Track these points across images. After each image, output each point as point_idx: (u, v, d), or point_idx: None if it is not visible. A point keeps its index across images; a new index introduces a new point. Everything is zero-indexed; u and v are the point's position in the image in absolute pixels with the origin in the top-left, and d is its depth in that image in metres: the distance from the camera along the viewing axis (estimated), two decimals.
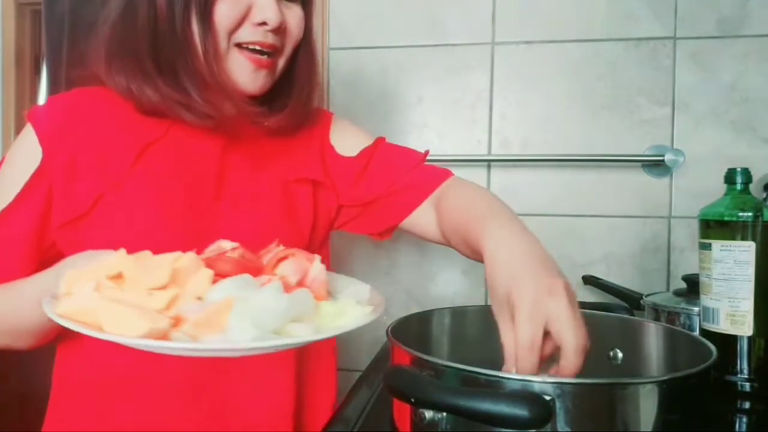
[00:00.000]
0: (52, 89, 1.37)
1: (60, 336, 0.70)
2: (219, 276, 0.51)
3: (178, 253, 0.53)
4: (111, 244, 0.60)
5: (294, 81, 0.74)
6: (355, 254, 1.24)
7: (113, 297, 0.49)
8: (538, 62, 1.17)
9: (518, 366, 0.48)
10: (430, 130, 1.21)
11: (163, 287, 0.50)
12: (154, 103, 0.67)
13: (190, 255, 0.53)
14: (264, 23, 0.66)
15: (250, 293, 0.49)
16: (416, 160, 0.79)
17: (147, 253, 0.53)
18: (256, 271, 0.54)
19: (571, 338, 0.47)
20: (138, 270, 0.51)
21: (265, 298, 0.48)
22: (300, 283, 0.54)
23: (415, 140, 1.21)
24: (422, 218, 0.76)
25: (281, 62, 0.71)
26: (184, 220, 0.67)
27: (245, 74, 0.68)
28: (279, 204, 0.74)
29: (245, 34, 0.66)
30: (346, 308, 0.53)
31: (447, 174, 0.77)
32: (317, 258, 0.56)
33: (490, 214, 0.61)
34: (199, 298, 0.50)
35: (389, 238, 0.83)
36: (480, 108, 1.19)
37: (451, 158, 1.19)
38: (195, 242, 0.62)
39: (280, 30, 0.67)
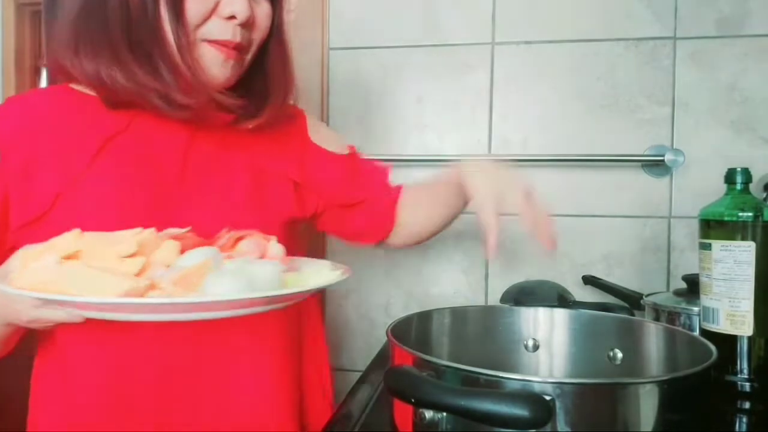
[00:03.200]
0: None
1: (23, 348, 0.69)
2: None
3: (138, 229, 0.53)
4: None
5: (269, 79, 0.74)
6: (355, 254, 1.24)
7: (83, 265, 0.48)
8: (538, 62, 1.17)
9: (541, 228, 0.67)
10: (430, 130, 1.21)
11: (132, 256, 0.50)
12: (125, 90, 0.64)
13: (150, 230, 0.53)
14: (233, 17, 0.65)
15: (243, 264, 0.51)
16: (386, 168, 0.88)
17: (103, 233, 0.53)
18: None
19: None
20: (98, 244, 0.51)
21: (259, 268, 0.51)
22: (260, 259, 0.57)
23: (415, 140, 1.21)
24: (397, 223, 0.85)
25: (248, 57, 0.70)
26: (149, 213, 0.65)
27: (214, 65, 0.66)
28: (247, 194, 0.73)
29: (212, 29, 0.65)
30: (312, 275, 0.57)
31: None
32: (274, 238, 0.58)
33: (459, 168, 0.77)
34: (168, 266, 0.50)
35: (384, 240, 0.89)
36: (480, 108, 1.19)
37: (451, 158, 1.19)
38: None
39: (248, 24, 0.67)
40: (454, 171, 0.77)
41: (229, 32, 0.65)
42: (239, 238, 0.57)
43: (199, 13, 0.64)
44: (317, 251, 1.23)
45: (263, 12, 0.70)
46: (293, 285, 0.54)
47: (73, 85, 0.70)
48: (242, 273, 0.49)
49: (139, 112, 0.68)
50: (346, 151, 0.85)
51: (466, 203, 0.79)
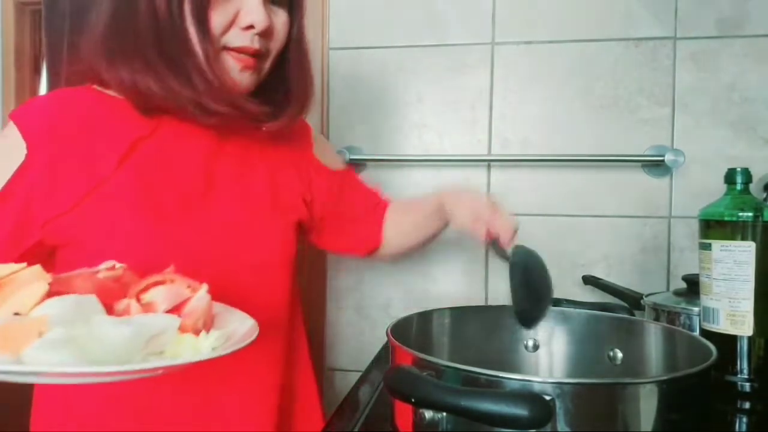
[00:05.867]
0: (52, 89, 1.37)
1: None
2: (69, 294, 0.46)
3: (20, 265, 0.48)
4: (100, 239, 0.64)
5: (288, 86, 0.76)
6: None
7: None
8: (538, 62, 1.17)
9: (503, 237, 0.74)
10: (430, 130, 1.21)
11: None
12: (159, 97, 0.67)
13: (35, 268, 0.47)
14: (251, 26, 0.67)
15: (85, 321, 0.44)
16: (378, 192, 0.93)
17: None
18: (121, 295, 0.50)
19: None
20: None
21: (97, 326, 0.43)
22: (173, 311, 0.50)
23: (415, 140, 1.21)
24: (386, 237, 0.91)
25: (266, 65, 0.73)
26: (173, 216, 0.67)
27: (233, 74, 0.69)
28: (267, 199, 0.76)
29: (232, 38, 0.68)
30: (203, 342, 0.47)
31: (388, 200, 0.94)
32: (203, 287, 0.52)
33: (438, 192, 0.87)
34: (17, 314, 0.44)
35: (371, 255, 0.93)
36: (480, 108, 1.19)
37: (451, 158, 1.19)
38: (185, 237, 0.66)
39: (267, 33, 0.69)
40: (435, 195, 0.86)
41: (248, 40, 0.68)
42: (158, 283, 0.51)
43: (220, 24, 0.67)
44: (320, 254, 1.23)
45: (280, 21, 0.72)
46: (186, 347, 0.46)
47: (97, 87, 0.71)
48: (81, 340, 0.42)
49: (166, 118, 0.70)
50: (340, 167, 0.90)
51: (446, 224, 0.87)
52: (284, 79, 0.76)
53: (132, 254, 0.59)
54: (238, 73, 0.69)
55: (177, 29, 0.65)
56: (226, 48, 0.68)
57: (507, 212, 0.77)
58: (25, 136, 0.65)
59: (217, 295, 0.54)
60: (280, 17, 0.72)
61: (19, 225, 0.65)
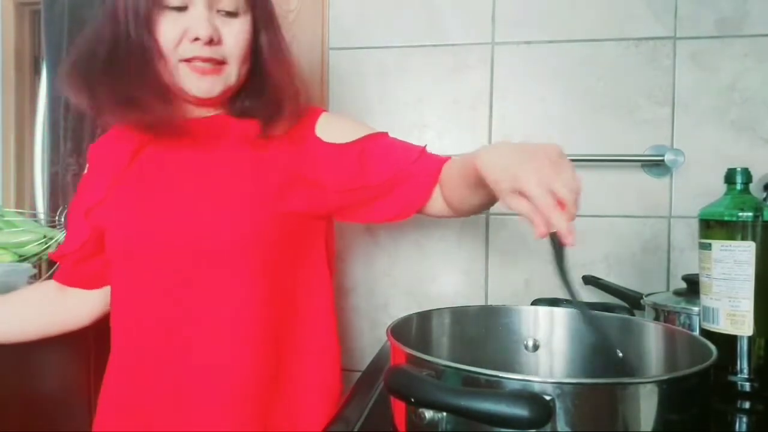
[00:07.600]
0: (52, 90, 1.37)
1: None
2: None
3: None
4: (120, 221, 0.81)
5: (275, 92, 0.82)
6: (355, 254, 1.24)
7: None
8: (538, 62, 1.17)
9: (553, 221, 0.55)
10: (430, 130, 1.21)
11: None
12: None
13: None
14: (197, 39, 0.76)
15: None
16: (419, 148, 0.86)
17: None
18: None
19: (569, 196, 0.55)
20: None
21: None
22: None
23: (415, 140, 1.19)
24: (433, 198, 0.81)
25: (230, 69, 0.79)
26: (161, 208, 0.80)
27: (191, 81, 0.78)
28: (242, 191, 0.79)
29: (184, 50, 0.77)
30: None
31: (448, 157, 0.83)
32: None
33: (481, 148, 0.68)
34: None
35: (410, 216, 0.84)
36: (480, 108, 1.19)
37: None
38: (174, 220, 0.78)
39: (213, 43, 0.77)
40: (471, 156, 0.68)
41: (197, 51, 0.77)
42: None
43: (172, 39, 0.76)
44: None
45: (233, 29, 0.79)
46: None
47: None
48: None
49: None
50: (358, 136, 0.84)
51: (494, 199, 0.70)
52: (268, 85, 0.83)
53: (122, 243, 0.81)
54: (196, 80, 0.78)
55: (134, 46, 0.77)
56: (182, 60, 0.77)
57: (569, 180, 0.56)
58: (88, 160, 0.91)
59: (185, 278, 0.76)
60: (233, 26, 0.78)
61: (79, 221, 0.87)
